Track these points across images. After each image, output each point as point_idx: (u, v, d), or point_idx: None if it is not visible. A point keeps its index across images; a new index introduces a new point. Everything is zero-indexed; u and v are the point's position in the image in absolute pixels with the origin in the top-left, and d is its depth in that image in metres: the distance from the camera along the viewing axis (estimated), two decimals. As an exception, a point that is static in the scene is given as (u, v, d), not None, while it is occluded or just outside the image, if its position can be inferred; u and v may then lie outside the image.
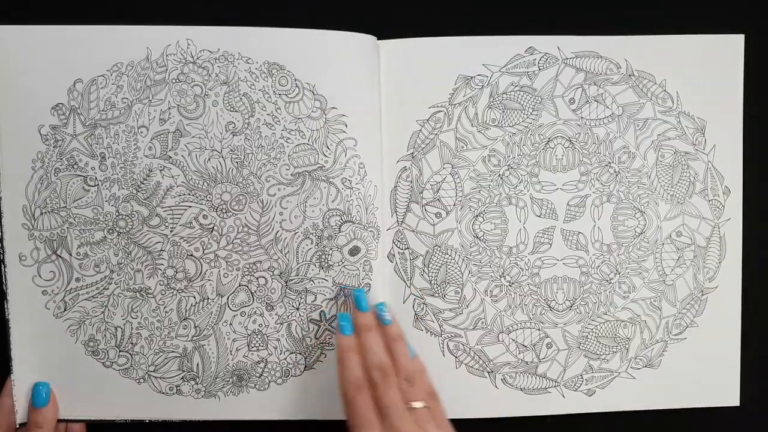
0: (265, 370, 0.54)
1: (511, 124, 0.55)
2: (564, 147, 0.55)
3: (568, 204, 0.56)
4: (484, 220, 0.55)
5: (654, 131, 0.56)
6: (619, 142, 0.56)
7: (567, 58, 0.55)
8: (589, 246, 0.56)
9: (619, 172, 0.56)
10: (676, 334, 0.57)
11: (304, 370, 0.54)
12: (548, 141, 0.55)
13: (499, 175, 0.55)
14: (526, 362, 0.56)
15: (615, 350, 0.56)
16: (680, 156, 0.56)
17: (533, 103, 0.55)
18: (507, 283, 0.56)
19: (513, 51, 0.55)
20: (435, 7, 0.56)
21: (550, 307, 0.56)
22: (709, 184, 0.56)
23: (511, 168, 0.55)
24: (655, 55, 0.55)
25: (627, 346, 0.56)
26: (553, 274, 0.56)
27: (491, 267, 0.55)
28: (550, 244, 0.56)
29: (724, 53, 0.55)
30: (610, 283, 0.56)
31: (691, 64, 0.55)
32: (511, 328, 0.56)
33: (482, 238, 0.55)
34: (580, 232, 0.56)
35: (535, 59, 0.55)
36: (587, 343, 0.56)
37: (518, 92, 0.55)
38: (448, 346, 0.56)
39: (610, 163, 0.56)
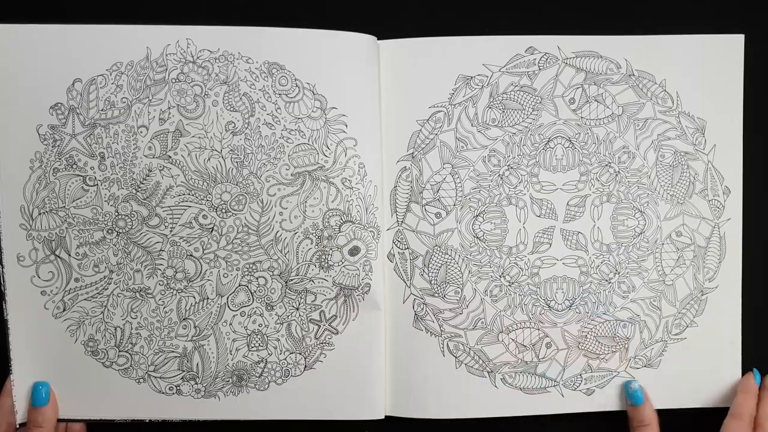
0: (265, 370, 0.54)
1: (511, 124, 0.55)
2: (564, 147, 0.55)
3: (567, 204, 0.56)
4: (484, 220, 0.55)
5: (654, 131, 0.56)
6: (619, 142, 0.55)
7: (567, 58, 0.55)
8: (588, 246, 0.56)
9: (619, 172, 0.56)
10: (675, 334, 0.57)
11: (304, 370, 0.54)
12: (548, 141, 0.55)
13: (499, 175, 0.55)
14: (526, 362, 0.56)
15: (614, 350, 0.57)
16: (680, 156, 0.56)
17: (533, 103, 0.55)
18: (507, 283, 0.56)
19: (513, 51, 0.55)
20: (435, 7, 0.56)
21: (549, 306, 0.56)
22: (709, 184, 0.56)
23: (511, 168, 0.55)
24: (655, 55, 0.55)
25: (626, 345, 0.57)
26: (552, 274, 0.56)
27: (491, 267, 0.55)
28: (550, 244, 0.56)
29: (724, 53, 0.55)
30: (609, 283, 0.56)
31: (691, 64, 0.55)
32: (510, 327, 0.56)
33: (482, 238, 0.55)
34: (579, 232, 0.56)
35: (535, 59, 0.55)
36: (586, 342, 0.56)
37: (518, 92, 0.55)
38: (448, 346, 0.56)
39: (610, 163, 0.56)
